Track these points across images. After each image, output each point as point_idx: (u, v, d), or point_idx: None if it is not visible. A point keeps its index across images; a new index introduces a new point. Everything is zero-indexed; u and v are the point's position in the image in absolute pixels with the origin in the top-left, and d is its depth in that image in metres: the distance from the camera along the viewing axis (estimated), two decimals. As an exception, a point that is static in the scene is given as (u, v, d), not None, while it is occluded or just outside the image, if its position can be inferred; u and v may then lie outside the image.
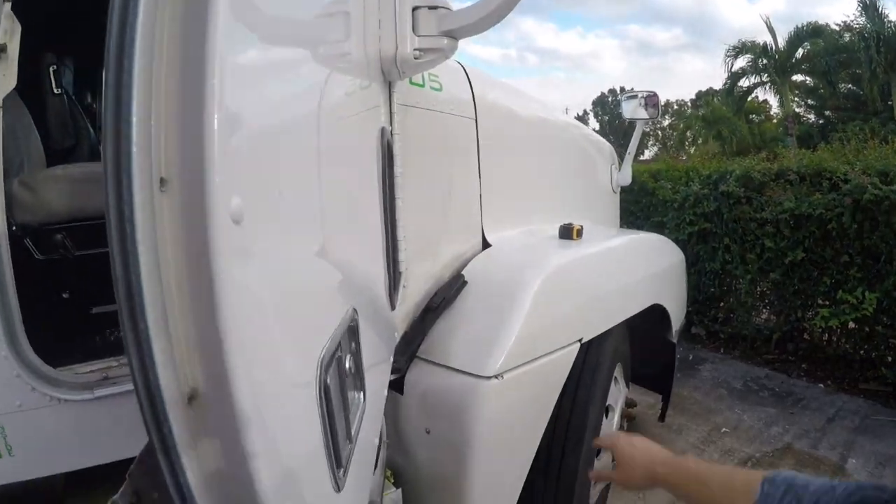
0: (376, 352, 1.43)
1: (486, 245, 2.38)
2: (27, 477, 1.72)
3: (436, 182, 2.16)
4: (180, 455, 0.67)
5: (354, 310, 1.13)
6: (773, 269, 5.14)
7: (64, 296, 2.39)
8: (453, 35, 1.58)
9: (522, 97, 3.06)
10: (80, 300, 2.39)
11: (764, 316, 5.68)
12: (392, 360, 1.76)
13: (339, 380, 0.95)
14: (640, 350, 3.06)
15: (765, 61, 25.45)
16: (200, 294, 0.66)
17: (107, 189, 0.64)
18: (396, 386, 1.86)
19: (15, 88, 1.68)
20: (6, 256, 1.58)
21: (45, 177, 2.13)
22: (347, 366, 1.02)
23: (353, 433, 1.03)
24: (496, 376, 1.74)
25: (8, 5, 1.56)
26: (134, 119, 0.64)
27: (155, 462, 0.68)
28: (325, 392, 0.86)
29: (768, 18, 27.85)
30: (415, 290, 2.00)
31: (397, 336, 1.88)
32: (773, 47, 25.28)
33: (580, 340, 2.10)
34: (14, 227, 1.81)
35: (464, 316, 1.98)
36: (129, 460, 0.86)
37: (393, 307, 1.66)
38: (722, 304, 5.86)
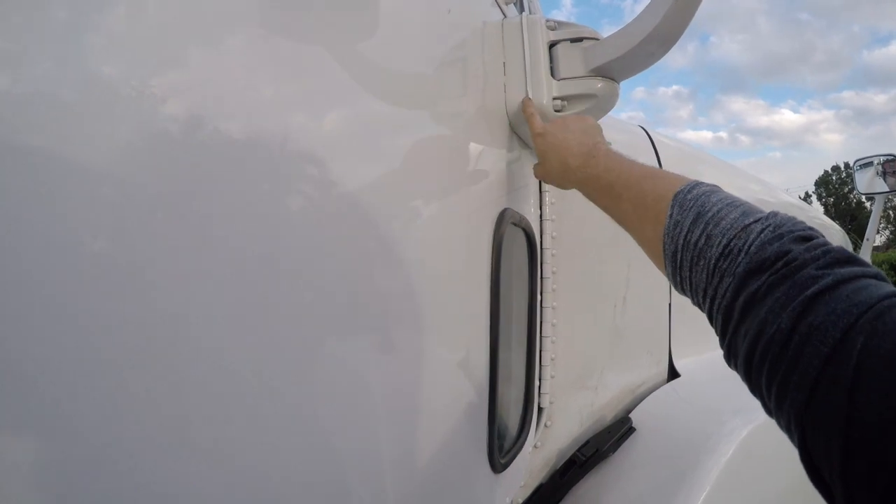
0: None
1: (672, 375, 1.79)
2: None
3: (605, 286, 1.63)
4: None
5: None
6: None
7: None
8: (609, 74, 1.09)
9: (733, 174, 2.46)
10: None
11: None
12: None
13: None
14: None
15: None
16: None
17: None
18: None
19: None
20: None
21: None
22: None
23: None
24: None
25: None
26: None
27: None
28: None
29: None
30: (561, 432, 1.46)
31: (525, 491, 1.35)
32: None
33: (797, 526, 1.40)
34: None
35: (621, 475, 1.40)
36: None
37: (498, 467, 1.12)
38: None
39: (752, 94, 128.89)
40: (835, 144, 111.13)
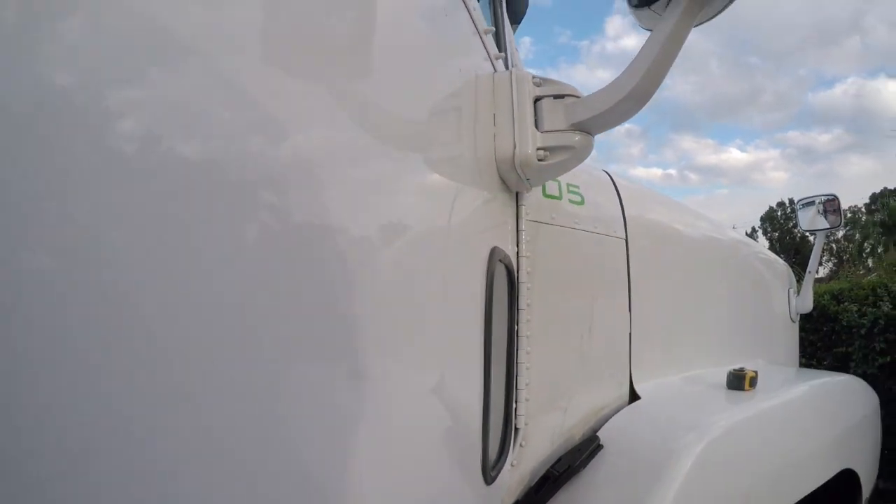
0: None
1: (633, 397, 1.92)
2: None
3: (574, 316, 1.76)
4: None
5: None
6: None
7: None
8: (587, 128, 1.24)
9: (684, 211, 2.62)
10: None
11: None
12: None
13: None
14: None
15: None
16: None
17: None
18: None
19: None
20: None
21: None
22: None
23: None
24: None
25: None
26: None
27: None
28: None
29: None
30: (535, 451, 1.58)
31: None
32: None
33: (749, 530, 1.55)
34: None
35: (592, 490, 1.52)
36: None
37: (489, 479, 1.24)
38: (922, 451, 4.76)
39: (702, 133, 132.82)
40: (780, 182, 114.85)
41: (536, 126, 1.26)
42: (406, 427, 0.94)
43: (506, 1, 1.89)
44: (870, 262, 29.34)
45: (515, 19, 2.26)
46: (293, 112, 0.77)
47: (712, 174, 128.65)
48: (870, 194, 45.60)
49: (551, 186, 1.67)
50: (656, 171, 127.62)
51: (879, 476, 4.62)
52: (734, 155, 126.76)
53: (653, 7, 1.17)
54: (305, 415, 0.76)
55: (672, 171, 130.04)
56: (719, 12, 1.18)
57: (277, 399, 0.73)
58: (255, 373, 0.71)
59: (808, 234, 3.72)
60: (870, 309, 5.20)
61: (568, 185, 1.75)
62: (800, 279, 3.65)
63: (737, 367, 2.09)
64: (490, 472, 1.22)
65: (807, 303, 3.57)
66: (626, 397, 1.91)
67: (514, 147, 1.24)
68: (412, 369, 0.97)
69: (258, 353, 0.71)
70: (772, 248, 52.57)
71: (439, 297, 1.05)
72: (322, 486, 0.78)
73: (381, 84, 0.93)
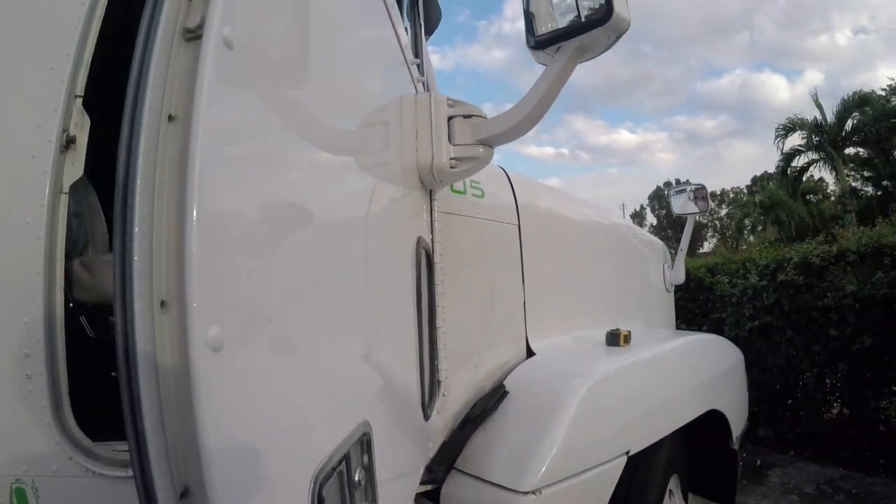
0: (400, 464, 1.39)
1: (530, 353, 2.33)
2: None
3: (478, 289, 2.15)
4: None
5: (367, 423, 1.12)
6: (841, 359, 4.84)
7: (112, 374, 2.40)
8: (489, 143, 1.61)
9: (569, 200, 3.08)
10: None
11: (835, 411, 5.32)
12: (423, 471, 1.70)
13: (341, 493, 0.96)
14: (699, 458, 2.86)
15: (816, 138, 24.53)
16: (186, 407, 0.71)
17: (115, 306, 0.74)
18: (433, 496, 1.79)
19: (86, 174, 1.80)
20: (60, 329, 1.62)
21: (103, 260, 2.22)
22: (357, 478, 1.01)
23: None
24: (534, 492, 1.65)
25: (79, 100, 1.67)
26: (136, 248, 0.74)
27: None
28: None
29: (815, 92, 26.80)
30: (455, 399, 1.96)
31: (433, 446, 1.82)
32: (823, 122, 24.50)
33: (627, 453, 1.98)
34: (71, 304, 1.86)
35: (503, 427, 1.90)
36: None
37: (427, 417, 1.62)
38: (789, 401, 5.49)
39: (594, 115, 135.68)
40: (667, 163, 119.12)
41: (449, 140, 1.62)
42: (387, 365, 1.33)
43: (422, 17, 2.27)
44: (751, 238, 31.28)
45: (429, 30, 2.63)
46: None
47: (603, 154, 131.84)
48: (751, 177, 48.53)
49: (458, 183, 2.04)
50: (549, 150, 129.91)
51: (759, 424, 5.32)
52: (624, 136, 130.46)
53: (546, 50, 1.54)
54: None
55: (564, 150, 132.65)
56: (599, 55, 1.55)
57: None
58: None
59: (681, 216, 4.18)
60: (740, 280, 5.83)
61: (471, 181, 2.13)
62: (674, 257, 4.15)
63: (613, 328, 2.52)
64: (426, 410, 1.59)
65: (679, 275, 4.07)
66: (524, 354, 2.33)
67: (433, 157, 1.59)
68: (386, 331, 1.36)
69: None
70: (659, 224, 54.86)
71: (389, 275, 1.42)
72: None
73: (340, 103, 1.26)
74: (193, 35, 0.79)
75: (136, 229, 0.74)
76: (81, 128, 1.76)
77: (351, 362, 1.22)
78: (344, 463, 0.97)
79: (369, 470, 1.09)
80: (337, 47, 1.27)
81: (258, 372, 0.84)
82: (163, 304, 0.75)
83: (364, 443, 1.08)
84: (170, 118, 0.78)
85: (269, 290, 0.88)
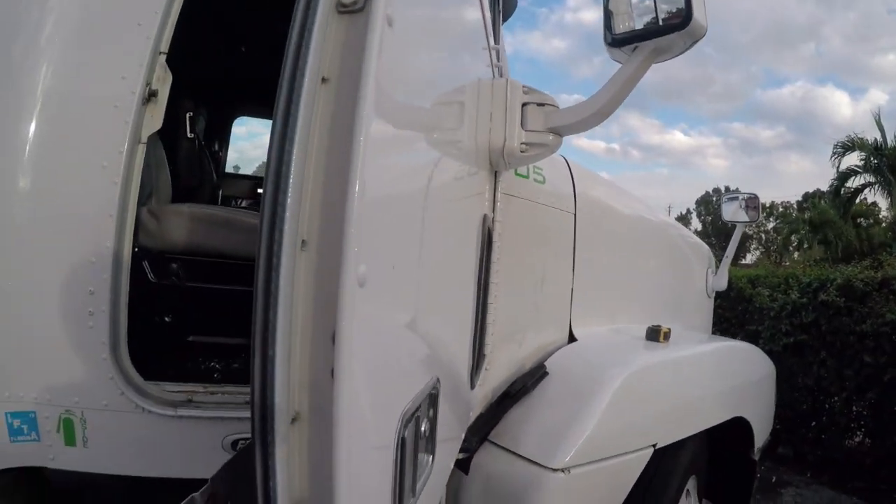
0: (450, 426, 1.46)
1: (572, 339, 2.40)
2: (94, 470, 1.81)
3: (530, 272, 2.22)
4: (276, 464, 0.82)
5: (437, 379, 1.19)
6: (872, 387, 4.80)
7: (167, 319, 2.53)
8: (559, 132, 1.67)
9: (623, 195, 3.12)
10: (181, 327, 2.53)
11: (857, 439, 5.26)
12: (463, 438, 1.79)
13: (414, 438, 1.03)
14: (718, 465, 2.90)
15: (874, 160, 23.14)
16: (320, 338, 0.83)
17: (260, 242, 0.83)
18: (464, 465, 1.87)
19: None
20: (125, 272, 1.74)
21: (170, 210, 2.33)
22: (423, 429, 1.08)
23: (417, 489, 1.10)
24: (563, 470, 1.73)
25: (163, 57, 1.77)
26: (290, 190, 0.83)
27: (239, 472, 0.79)
28: (401, 443, 0.95)
29: (878, 112, 25.53)
30: (496, 374, 2.04)
31: (472, 416, 1.91)
32: (882, 144, 23.11)
33: (654, 446, 2.05)
34: (136, 249, 1.97)
35: (540, 406, 1.98)
36: (194, 480, 0.95)
37: (472, 387, 1.71)
38: (813, 423, 5.46)
39: (649, 112, 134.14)
40: (719, 169, 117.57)
41: (522, 125, 1.68)
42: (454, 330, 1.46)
43: (502, 3, 2.33)
44: (796, 255, 30.59)
45: (505, 17, 2.68)
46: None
47: (655, 153, 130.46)
48: (803, 192, 47.38)
49: (521, 168, 2.09)
50: (600, 144, 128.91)
51: (780, 441, 5.30)
52: (678, 137, 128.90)
53: (623, 48, 1.59)
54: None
55: (615, 146, 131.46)
56: (675, 57, 1.60)
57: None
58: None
59: (729, 224, 4.16)
60: (780, 295, 5.79)
61: (534, 166, 2.19)
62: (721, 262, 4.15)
63: (655, 324, 2.57)
64: (473, 380, 1.67)
65: (722, 282, 4.06)
66: (566, 339, 2.40)
67: (504, 140, 1.66)
68: (457, 298, 1.50)
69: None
70: (704, 230, 54.01)
71: (464, 247, 1.52)
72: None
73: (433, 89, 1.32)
74: (346, 9, 0.89)
75: (292, 179, 0.84)
76: (164, 83, 1.87)
77: (435, 319, 1.30)
78: (420, 410, 1.05)
79: (433, 424, 1.16)
80: (456, 28, 1.34)
81: (382, 310, 0.93)
82: (303, 243, 0.85)
83: (433, 397, 1.16)
84: (323, 80, 0.88)
85: (394, 242, 0.98)
